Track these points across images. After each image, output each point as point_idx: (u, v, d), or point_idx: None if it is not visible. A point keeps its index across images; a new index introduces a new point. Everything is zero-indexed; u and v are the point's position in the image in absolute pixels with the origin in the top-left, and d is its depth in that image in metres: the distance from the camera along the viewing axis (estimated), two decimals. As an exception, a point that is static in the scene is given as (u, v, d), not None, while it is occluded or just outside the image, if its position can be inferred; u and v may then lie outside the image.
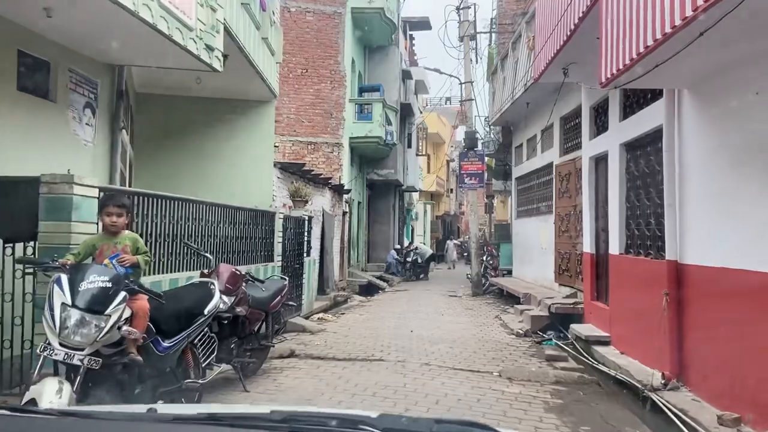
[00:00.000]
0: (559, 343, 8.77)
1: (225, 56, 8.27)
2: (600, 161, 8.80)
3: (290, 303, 6.37)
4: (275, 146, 17.21)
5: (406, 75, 22.97)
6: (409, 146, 23.70)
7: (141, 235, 4.41)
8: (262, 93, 10.22)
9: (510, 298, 13.56)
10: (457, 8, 16.16)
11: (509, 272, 16.55)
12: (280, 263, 8.93)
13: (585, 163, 9.27)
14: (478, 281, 15.70)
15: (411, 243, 23.13)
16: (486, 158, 17.70)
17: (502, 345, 8.55)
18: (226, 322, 5.06)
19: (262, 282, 5.73)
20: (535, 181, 13.74)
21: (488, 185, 40.55)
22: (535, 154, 13.61)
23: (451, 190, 45.47)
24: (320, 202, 14.19)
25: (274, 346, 6.44)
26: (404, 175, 23.19)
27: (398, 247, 22.41)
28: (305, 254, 10.41)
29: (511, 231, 16.39)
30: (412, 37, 26.99)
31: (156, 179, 9.54)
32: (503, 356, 7.76)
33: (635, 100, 7.23)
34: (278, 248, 8.86)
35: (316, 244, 13.85)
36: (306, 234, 10.42)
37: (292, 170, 11.54)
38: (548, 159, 12.41)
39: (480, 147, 17.22)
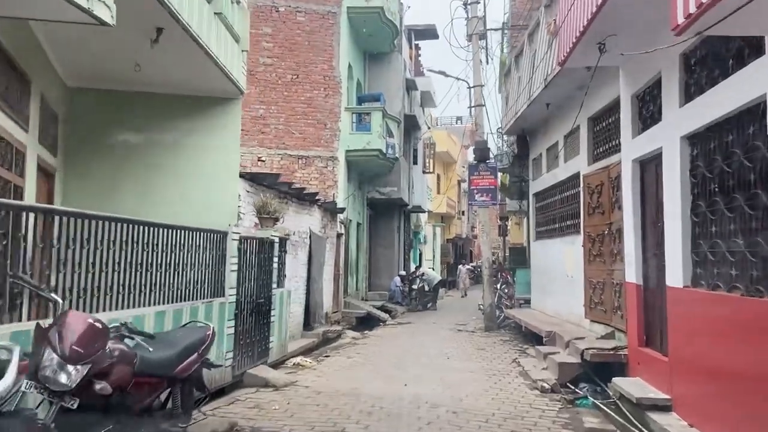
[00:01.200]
0: (597, 402, 6.65)
1: (159, 30, 6.48)
2: (648, 164, 6.78)
3: (211, 363, 4.37)
4: (261, 160, 15.41)
5: (410, 85, 21.16)
6: (415, 162, 21.77)
7: None
8: (225, 88, 8.34)
9: (529, 336, 11.42)
10: (465, 4, 14.34)
11: (526, 302, 14.43)
12: (233, 298, 6.94)
13: (626, 168, 7.25)
14: (491, 313, 13.58)
15: (418, 268, 21.06)
16: (499, 174, 15.71)
17: (524, 406, 6.45)
18: (72, 405, 3.07)
19: (152, 337, 3.74)
20: (558, 196, 11.69)
21: (502, 206, 38.55)
22: (556, 165, 11.58)
23: (463, 212, 43.40)
24: (307, 222, 12.24)
25: (189, 425, 4.41)
26: (410, 194, 21.23)
27: (403, 273, 20.36)
28: (275, 285, 8.41)
29: (529, 255, 14.29)
30: (417, 47, 25.28)
31: (89, 195, 7.67)
32: (526, 427, 5.66)
33: (707, 73, 5.23)
34: (231, 279, 6.88)
35: (301, 271, 11.87)
36: (276, 260, 8.43)
37: (266, 183, 9.61)
38: (573, 169, 10.38)
39: (492, 159, 15.20)
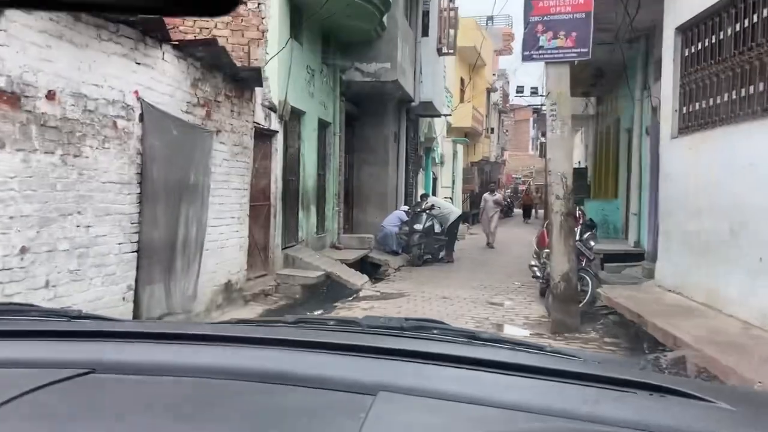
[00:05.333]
0: None
1: None
2: None
3: None
4: None
5: None
6: (425, 34, 14.03)
7: None
8: None
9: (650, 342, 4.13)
10: None
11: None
12: None
13: None
14: (568, 294, 6.34)
15: (424, 198, 13.71)
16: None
17: None
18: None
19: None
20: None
21: (541, 116, 30.42)
22: None
23: (492, 129, 35.52)
24: (131, 80, 4.92)
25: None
26: (416, 84, 13.63)
27: (405, 208, 13.08)
28: None
29: (654, 171, 6.92)
30: None
31: None
32: None
33: None
34: None
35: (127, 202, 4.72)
36: None
37: None
38: None
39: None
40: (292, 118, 9.36)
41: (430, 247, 12.47)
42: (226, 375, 1.00)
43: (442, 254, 12.87)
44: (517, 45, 55.58)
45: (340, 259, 10.18)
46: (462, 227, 16.39)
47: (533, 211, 31.03)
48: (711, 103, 5.19)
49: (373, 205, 13.37)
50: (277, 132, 8.49)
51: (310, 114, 10.06)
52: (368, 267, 11.35)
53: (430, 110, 15.69)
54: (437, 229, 12.69)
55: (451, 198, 21.04)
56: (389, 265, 11.49)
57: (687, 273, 5.51)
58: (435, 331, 1.42)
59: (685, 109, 5.74)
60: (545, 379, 1.05)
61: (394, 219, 12.43)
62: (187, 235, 5.85)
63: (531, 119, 52.60)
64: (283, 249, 9.06)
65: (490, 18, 43.73)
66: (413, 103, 13.98)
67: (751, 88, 4.57)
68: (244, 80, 7.00)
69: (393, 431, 0.84)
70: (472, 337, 1.39)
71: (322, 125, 11.05)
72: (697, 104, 5.46)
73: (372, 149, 13.31)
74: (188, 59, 5.72)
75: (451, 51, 16.19)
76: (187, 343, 1.19)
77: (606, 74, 12.18)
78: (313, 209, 10.45)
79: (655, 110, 8.81)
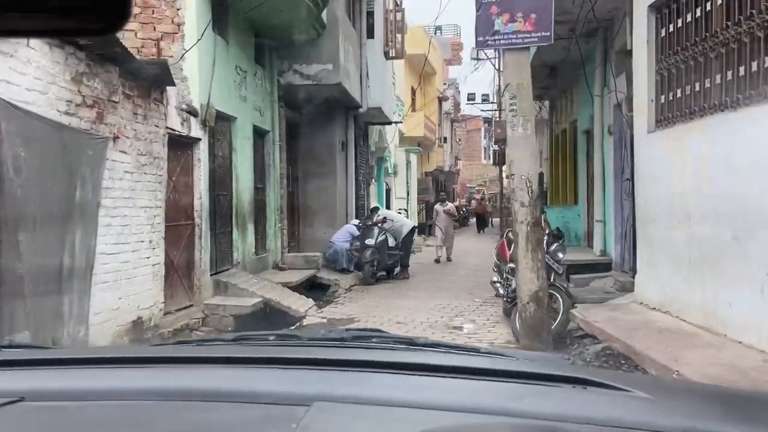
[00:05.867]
0: None
1: None
2: None
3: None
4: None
5: None
6: (370, 36, 13.13)
7: None
8: None
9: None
10: None
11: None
12: None
13: None
14: (539, 316, 5.44)
15: (375, 211, 12.69)
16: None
17: None
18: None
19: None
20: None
21: (494, 124, 30.09)
22: None
23: (445, 138, 34.99)
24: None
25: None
26: (362, 88, 12.69)
27: (356, 222, 12.06)
28: None
29: (633, 171, 6.15)
30: None
31: None
32: None
33: None
34: None
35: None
36: None
37: None
38: None
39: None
40: (220, 124, 8.26)
41: (384, 263, 11.48)
42: (159, 396, 0.99)
43: (396, 270, 11.91)
44: (466, 54, 55.65)
45: (283, 282, 9.09)
46: (418, 239, 15.46)
47: (488, 220, 30.48)
48: (697, 88, 4.41)
49: (321, 219, 12.31)
50: (200, 140, 7.37)
51: (242, 120, 8.97)
52: (316, 288, 10.31)
53: (379, 117, 14.76)
54: (391, 243, 11.71)
55: (406, 210, 20.13)
56: (339, 285, 10.46)
57: (676, 289, 4.68)
58: (374, 340, 1.45)
59: (663, 98, 4.96)
60: (477, 378, 1.10)
61: (344, 234, 11.41)
62: (73, 266, 4.68)
63: (482, 128, 52.71)
64: (213, 274, 7.91)
65: (438, 28, 43.53)
66: (361, 110, 13.02)
67: (754, 64, 3.77)
68: (150, 77, 5.88)
69: None
70: (410, 344, 1.43)
71: (259, 133, 9.96)
72: (678, 91, 4.68)
73: (318, 159, 12.27)
74: (65, 47, 4.58)
75: (398, 55, 15.29)
76: (121, 367, 1.19)
77: (560, 74, 11.53)
78: (250, 227, 9.33)
79: (619, 106, 8.11)
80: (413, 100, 26.41)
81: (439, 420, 0.85)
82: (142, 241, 6.01)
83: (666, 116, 4.89)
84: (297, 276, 9.76)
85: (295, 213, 12.04)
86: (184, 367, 1.14)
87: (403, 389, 0.99)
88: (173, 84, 6.32)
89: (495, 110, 30.91)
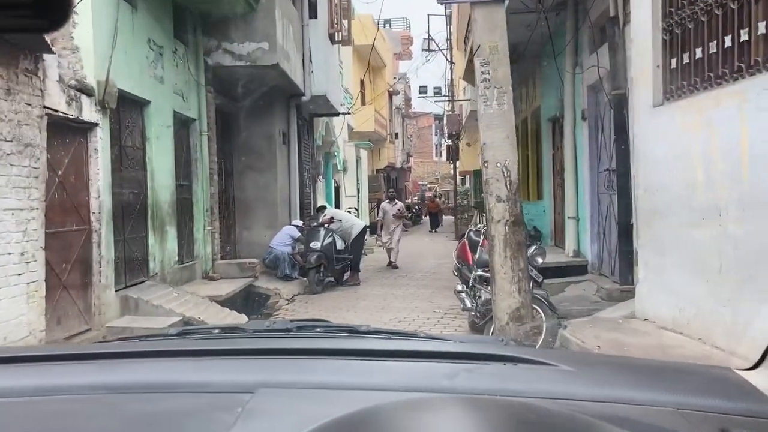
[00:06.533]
0: None
1: None
2: None
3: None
4: None
5: None
6: (313, 16, 11.83)
7: None
8: None
9: None
10: None
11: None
12: None
13: None
14: (522, 337, 4.31)
15: (321, 210, 11.36)
16: None
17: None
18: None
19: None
20: None
21: (444, 120, 28.98)
22: None
23: (396, 134, 33.97)
24: None
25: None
26: (305, 73, 11.37)
27: (298, 223, 10.72)
28: None
29: (632, 154, 5.11)
30: None
31: None
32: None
33: None
34: None
35: None
36: None
37: None
38: None
39: None
40: (128, 108, 6.83)
41: (332, 269, 10.22)
42: (107, 390, 1.01)
43: (346, 276, 10.68)
44: (416, 49, 54.63)
45: (211, 296, 7.72)
46: (369, 239, 14.21)
47: (440, 217, 29.46)
48: (728, 42, 3.37)
49: (260, 220, 10.95)
50: (97, 125, 5.93)
51: (158, 105, 7.54)
52: (253, 300, 8.99)
53: (325, 107, 13.47)
54: (339, 245, 10.47)
55: (357, 208, 18.86)
56: (280, 295, 9.16)
57: (698, 305, 3.65)
58: (318, 330, 1.49)
59: (675, 62, 3.93)
60: (413, 360, 1.17)
61: (284, 237, 10.08)
62: None
63: (433, 125, 52.05)
64: (120, 289, 6.48)
65: (388, 21, 42.44)
66: (304, 98, 11.70)
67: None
68: (13, 40, 4.45)
69: (268, 421, 0.87)
70: (352, 331, 1.46)
71: (182, 122, 8.54)
72: (699, 51, 3.64)
73: (256, 152, 10.90)
74: None
75: (345, 40, 13.99)
76: (66, 363, 1.18)
77: (521, 57, 10.52)
78: (171, 231, 7.91)
79: (596, 86, 7.12)
80: (362, 93, 25.14)
81: (380, 400, 0.88)
82: (10, 254, 4.59)
83: (679, 85, 3.86)
84: (230, 287, 8.40)
85: (229, 214, 10.63)
86: (130, 361, 1.16)
87: (345, 373, 1.06)
88: (50, 51, 4.90)
89: (448, 100, 30.06)
